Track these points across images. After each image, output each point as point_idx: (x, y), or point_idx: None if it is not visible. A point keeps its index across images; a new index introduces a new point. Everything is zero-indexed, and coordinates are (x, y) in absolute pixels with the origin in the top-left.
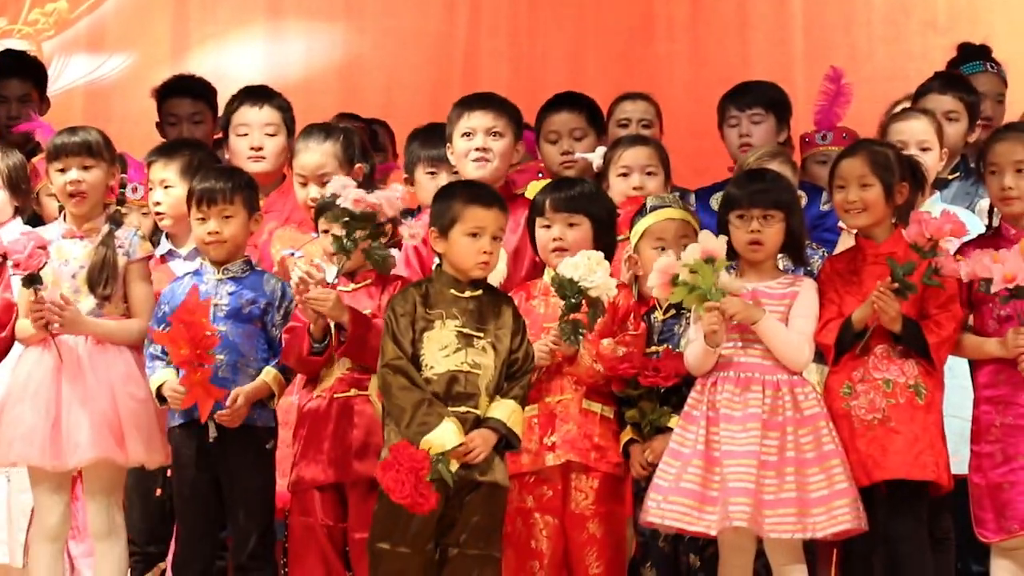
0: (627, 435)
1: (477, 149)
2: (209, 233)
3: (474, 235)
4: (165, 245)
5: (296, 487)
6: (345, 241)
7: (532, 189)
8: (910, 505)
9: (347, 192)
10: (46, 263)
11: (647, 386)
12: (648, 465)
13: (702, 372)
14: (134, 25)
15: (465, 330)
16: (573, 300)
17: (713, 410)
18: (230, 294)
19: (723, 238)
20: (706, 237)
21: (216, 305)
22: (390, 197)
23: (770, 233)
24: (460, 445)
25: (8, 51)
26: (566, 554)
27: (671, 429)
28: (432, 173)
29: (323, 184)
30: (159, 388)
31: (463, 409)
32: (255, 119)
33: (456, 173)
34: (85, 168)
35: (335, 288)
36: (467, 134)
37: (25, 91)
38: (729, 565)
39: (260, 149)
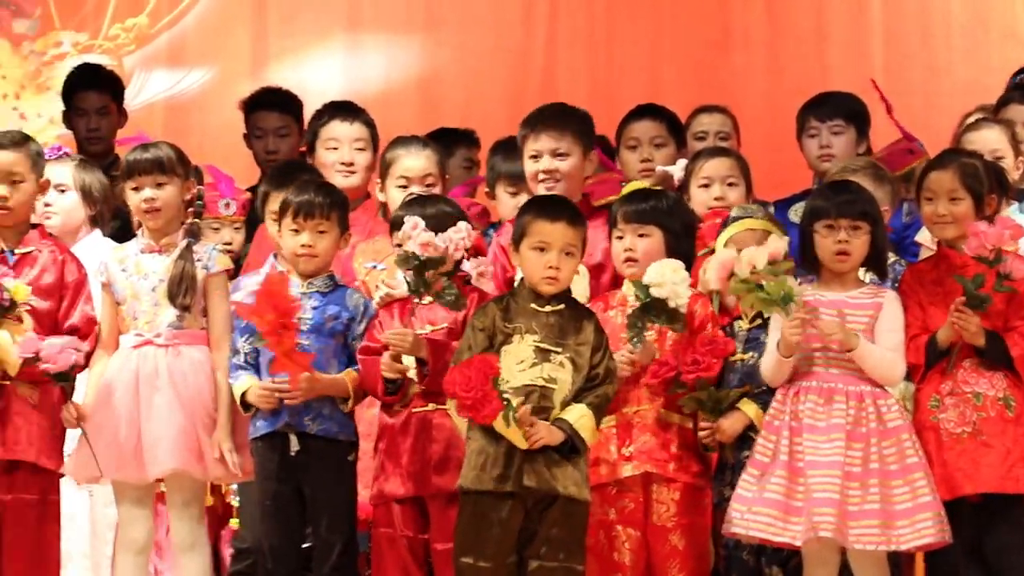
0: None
1: (543, 171)
2: (302, 246)
3: (540, 249)
4: (276, 265)
5: (377, 500)
6: (416, 285)
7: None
8: (1006, 515)
9: (416, 236)
10: (76, 365)
11: (695, 380)
12: (714, 441)
13: (776, 383)
14: (214, 39)
15: (543, 345)
16: (647, 304)
17: (796, 420)
18: (314, 308)
19: (785, 239)
20: (773, 240)
21: (299, 319)
22: (455, 239)
23: (857, 244)
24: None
25: (85, 64)
26: (648, 566)
27: (739, 408)
28: (513, 193)
29: (426, 189)
30: (243, 396)
31: (530, 418)
32: (346, 134)
33: None
34: (158, 185)
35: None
36: (534, 156)
37: (103, 103)
38: None
39: (351, 164)
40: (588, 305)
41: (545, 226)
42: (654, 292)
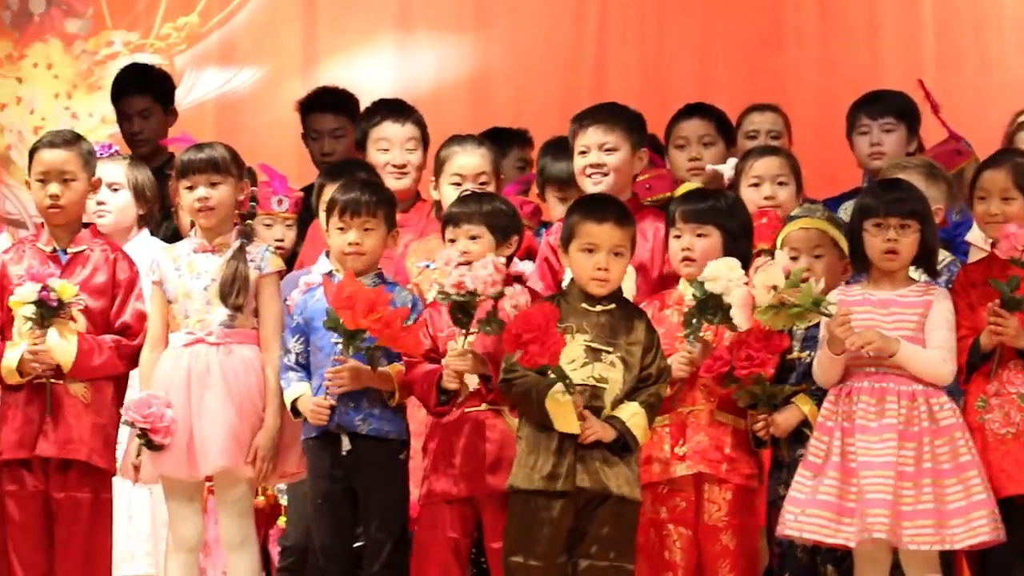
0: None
1: (591, 166)
2: (349, 244)
3: (589, 251)
4: (327, 264)
5: (427, 500)
6: (457, 321)
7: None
8: None
9: (448, 276)
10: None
11: (748, 375)
12: (767, 434)
13: (829, 383)
14: (264, 38)
15: (594, 344)
16: (703, 302)
17: (848, 421)
18: None
19: (784, 254)
20: (779, 256)
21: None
22: (485, 278)
23: (906, 243)
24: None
25: (128, 67)
26: (699, 566)
27: (794, 403)
28: (562, 199)
29: (480, 187)
30: (294, 402)
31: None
32: (397, 135)
33: None
34: (212, 185)
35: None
36: (583, 152)
37: (145, 106)
38: None
39: (404, 166)
40: (643, 304)
41: (593, 227)
42: (709, 287)
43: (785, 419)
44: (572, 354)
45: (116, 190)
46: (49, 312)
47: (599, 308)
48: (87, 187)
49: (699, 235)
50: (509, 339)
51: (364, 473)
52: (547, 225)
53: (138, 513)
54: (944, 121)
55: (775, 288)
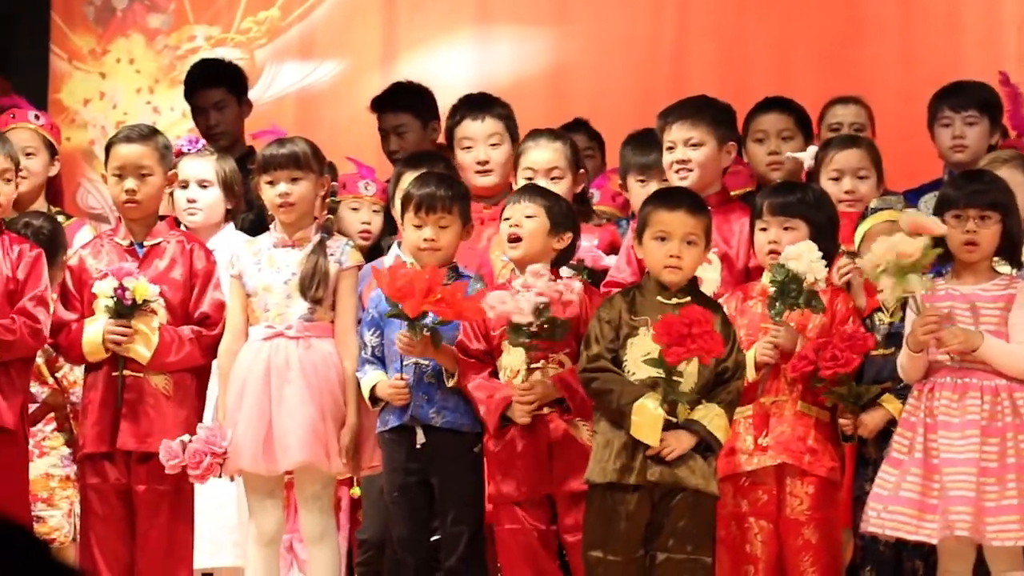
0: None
1: (677, 161)
2: (425, 240)
3: (661, 239)
4: (396, 254)
5: (496, 500)
6: (532, 350)
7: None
8: None
9: (522, 314)
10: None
11: (833, 376)
12: (853, 431)
13: (913, 378)
14: (344, 32)
15: None
16: (785, 284)
17: (931, 417)
18: None
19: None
20: (882, 240)
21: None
22: (523, 305)
23: (986, 234)
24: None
25: (199, 62)
26: (780, 559)
27: (881, 403)
28: (642, 181)
29: (552, 181)
30: (372, 390)
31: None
32: (478, 132)
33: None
34: (293, 180)
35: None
36: (669, 147)
37: (219, 98)
38: (948, 572)
39: (486, 163)
40: (726, 295)
41: (664, 215)
42: (791, 265)
43: (872, 420)
44: (647, 347)
45: (206, 186)
46: (125, 310)
47: (674, 301)
48: (163, 181)
49: (786, 228)
50: (671, 336)
51: (439, 466)
52: (628, 219)
53: (226, 504)
54: None
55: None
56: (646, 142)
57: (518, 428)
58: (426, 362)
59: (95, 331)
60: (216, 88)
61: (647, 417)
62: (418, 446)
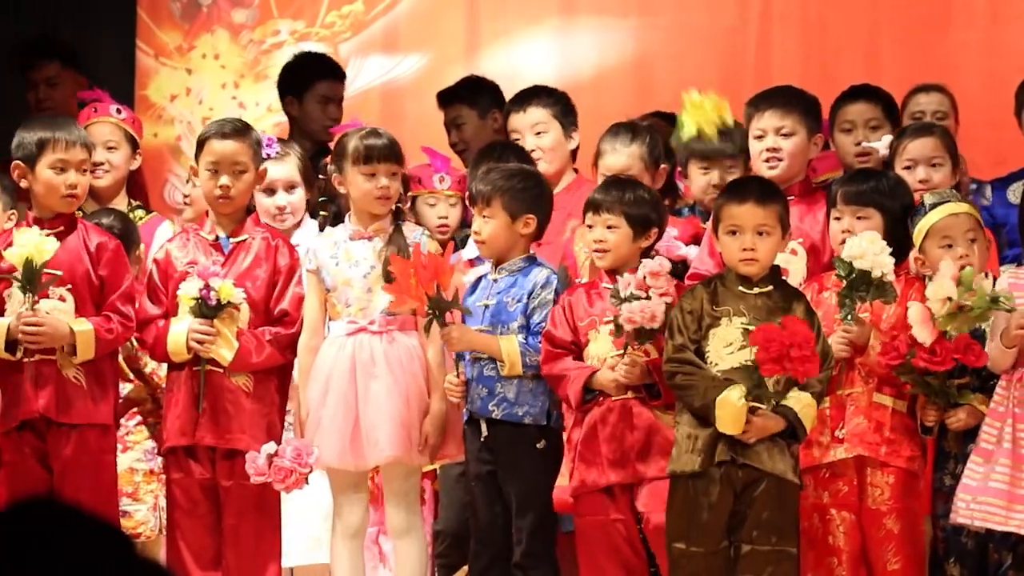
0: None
1: (768, 150)
2: (473, 232)
3: (733, 232)
4: (474, 249)
5: (579, 491)
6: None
7: None
8: None
9: (656, 320)
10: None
11: (925, 369)
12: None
13: (1002, 369)
14: (427, 25)
15: (751, 327)
16: (853, 280)
17: (1019, 406)
18: (497, 293)
19: (961, 260)
20: (943, 266)
21: (487, 306)
22: (633, 316)
23: None
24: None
25: (323, 54)
26: (864, 550)
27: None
28: (704, 169)
29: None
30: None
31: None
32: (521, 123)
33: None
34: (392, 175)
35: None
36: (758, 136)
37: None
38: None
39: (533, 151)
40: (803, 286)
41: (734, 208)
42: (857, 264)
43: (961, 420)
44: (729, 337)
45: (292, 189)
46: (209, 311)
47: (756, 291)
48: (255, 178)
49: (859, 217)
50: (768, 352)
51: (502, 459)
52: (692, 208)
53: (324, 501)
54: None
55: (949, 299)
56: None
57: (602, 415)
58: (484, 355)
59: (179, 331)
60: (341, 82)
61: (730, 410)
62: (482, 439)
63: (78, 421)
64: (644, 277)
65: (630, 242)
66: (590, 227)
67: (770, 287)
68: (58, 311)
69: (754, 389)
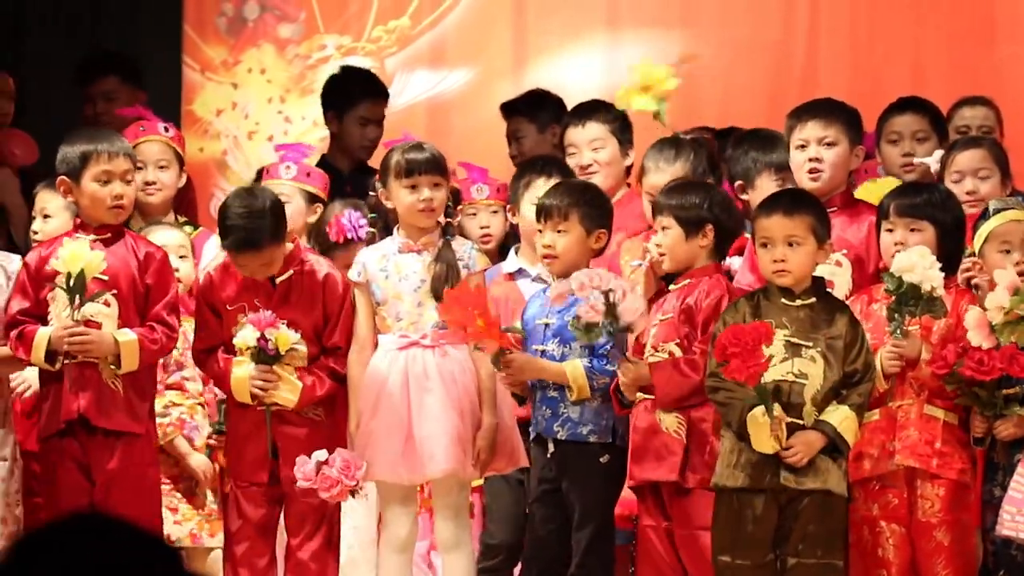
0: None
1: (810, 159)
2: (544, 247)
3: (764, 245)
4: (515, 262)
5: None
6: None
7: (864, 191)
8: None
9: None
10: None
11: (972, 378)
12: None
13: None
14: (474, 39)
15: (794, 340)
16: (902, 294)
17: None
18: (557, 312)
19: (1016, 267)
20: (1001, 275)
21: (547, 324)
22: (631, 308)
23: None
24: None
25: (369, 72)
26: (913, 563)
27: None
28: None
29: None
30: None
31: (787, 419)
32: (579, 138)
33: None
34: (435, 186)
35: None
36: (801, 146)
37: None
38: None
39: (588, 167)
40: (852, 298)
41: (763, 221)
42: (907, 278)
43: (1007, 428)
44: (772, 350)
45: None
46: (267, 360)
47: (799, 303)
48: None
49: (912, 229)
50: (717, 347)
51: (568, 472)
52: None
53: (361, 524)
54: None
55: (1006, 309)
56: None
57: (636, 416)
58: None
59: (241, 376)
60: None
61: (756, 427)
62: (548, 455)
63: (116, 427)
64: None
65: (684, 241)
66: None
67: (813, 299)
68: (102, 315)
69: (763, 402)
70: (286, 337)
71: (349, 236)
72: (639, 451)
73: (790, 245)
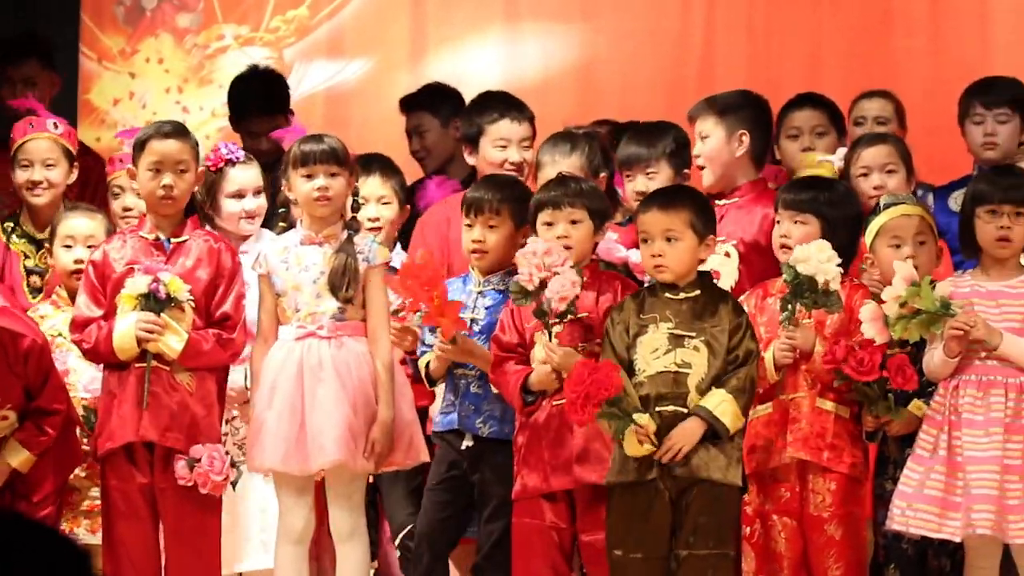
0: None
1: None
2: (473, 241)
3: (644, 240)
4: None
5: (521, 495)
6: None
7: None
8: None
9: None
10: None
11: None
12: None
13: (940, 377)
14: (372, 30)
15: (677, 331)
16: (797, 285)
17: (955, 414)
18: (486, 308)
19: (911, 261)
20: (900, 267)
21: (473, 320)
22: (562, 292)
23: (1020, 231)
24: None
25: (260, 85)
26: (805, 557)
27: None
28: (629, 177)
29: None
30: (427, 370)
31: (671, 408)
32: (515, 134)
33: None
34: (331, 175)
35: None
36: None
37: (274, 125)
38: (975, 568)
39: (519, 165)
40: (747, 292)
41: (641, 217)
42: (800, 269)
43: (900, 425)
44: (655, 343)
45: (258, 194)
46: (158, 305)
47: (682, 296)
48: (196, 179)
49: (796, 222)
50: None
51: (483, 466)
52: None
53: (271, 505)
54: None
55: (902, 302)
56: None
57: (545, 420)
58: (472, 371)
59: (126, 325)
60: (274, 116)
61: (627, 434)
62: (463, 448)
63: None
64: (542, 260)
65: (592, 237)
66: (548, 224)
67: (697, 291)
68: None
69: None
70: (178, 283)
71: (229, 159)
72: (583, 453)
73: (668, 240)
